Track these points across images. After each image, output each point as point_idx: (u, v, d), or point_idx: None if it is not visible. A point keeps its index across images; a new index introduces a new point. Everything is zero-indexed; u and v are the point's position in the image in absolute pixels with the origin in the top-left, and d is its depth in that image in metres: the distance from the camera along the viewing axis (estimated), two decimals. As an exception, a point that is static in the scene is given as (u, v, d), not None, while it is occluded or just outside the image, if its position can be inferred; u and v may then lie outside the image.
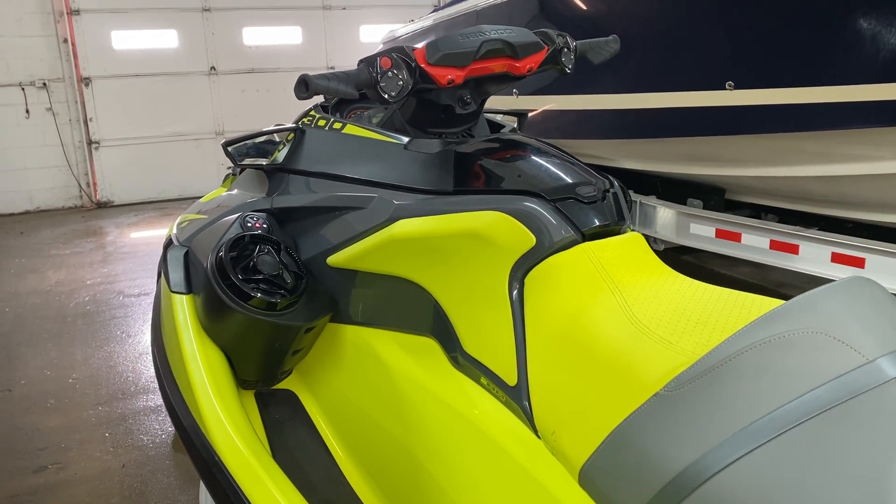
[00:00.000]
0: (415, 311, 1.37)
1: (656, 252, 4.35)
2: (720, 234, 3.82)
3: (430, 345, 1.34)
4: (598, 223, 1.19)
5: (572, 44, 1.53)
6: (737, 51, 3.15)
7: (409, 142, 1.39)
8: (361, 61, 1.30)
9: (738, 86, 3.08)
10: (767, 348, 0.81)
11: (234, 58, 8.69)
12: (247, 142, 1.55)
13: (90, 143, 8.20)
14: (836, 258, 3.28)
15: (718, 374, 0.82)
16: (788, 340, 0.81)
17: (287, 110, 8.90)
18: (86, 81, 8.05)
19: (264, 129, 1.60)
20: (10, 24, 7.70)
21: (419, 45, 1.31)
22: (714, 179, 4.05)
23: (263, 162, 1.56)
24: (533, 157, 1.30)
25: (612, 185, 1.27)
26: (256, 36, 8.77)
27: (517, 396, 1.13)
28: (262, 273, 1.38)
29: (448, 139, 1.41)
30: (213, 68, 8.60)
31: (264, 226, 1.48)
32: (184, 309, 1.47)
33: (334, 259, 1.44)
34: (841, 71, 2.79)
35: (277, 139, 1.59)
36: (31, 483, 2.63)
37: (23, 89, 7.85)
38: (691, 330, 0.96)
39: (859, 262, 3.18)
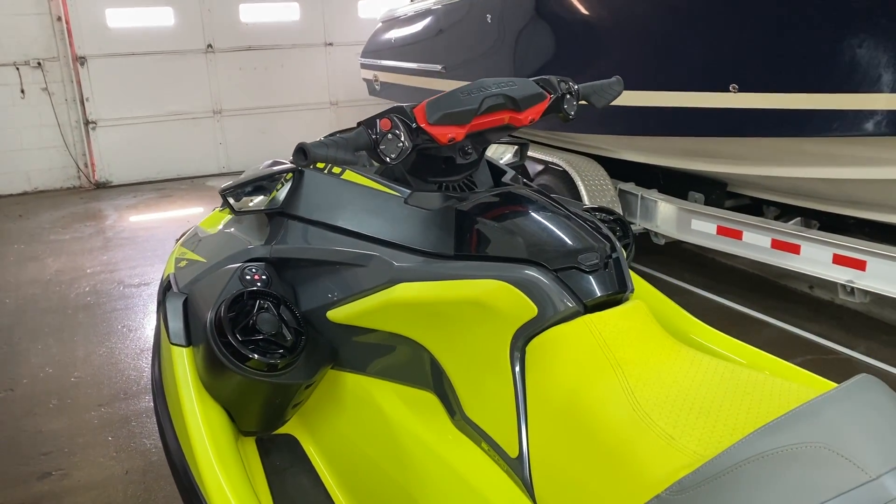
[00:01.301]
0: (416, 368, 1.37)
1: (657, 246, 4.34)
2: (721, 231, 3.82)
3: (431, 400, 1.34)
4: (599, 294, 1.18)
5: (574, 89, 1.50)
6: (742, 54, 3.11)
7: (409, 195, 1.37)
8: (360, 123, 1.27)
9: (743, 88, 3.04)
10: (770, 461, 0.81)
11: (231, 35, 8.58)
12: (245, 187, 1.53)
13: (87, 122, 8.14)
14: (838, 259, 3.27)
15: (720, 484, 0.82)
16: (791, 454, 0.80)
17: (284, 88, 8.83)
18: (81, 60, 7.96)
19: (262, 172, 1.58)
20: (2, 2, 7.59)
21: (418, 104, 1.29)
22: (716, 175, 4.02)
23: (263, 205, 1.55)
24: (534, 219, 1.29)
25: (614, 248, 1.25)
26: (253, 13, 8.66)
27: (518, 468, 1.13)
28: (262, 332, 1.37)
29: (448, 192, 1.39)
30: (209, 46, 8.50)
31: (263, 277, 1.47)
32: (183, 363, 1.47)
33: (334, 314, 1.44)
34: (846, 79, 2.75)
35: (275, 178, 1.57)
36: (36, 490, 2.66)
37: (17, 69, 7.77)
38: (693, 422, 0.96)
39: (860, 265, 3.18)
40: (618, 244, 1.27)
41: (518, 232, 1.25)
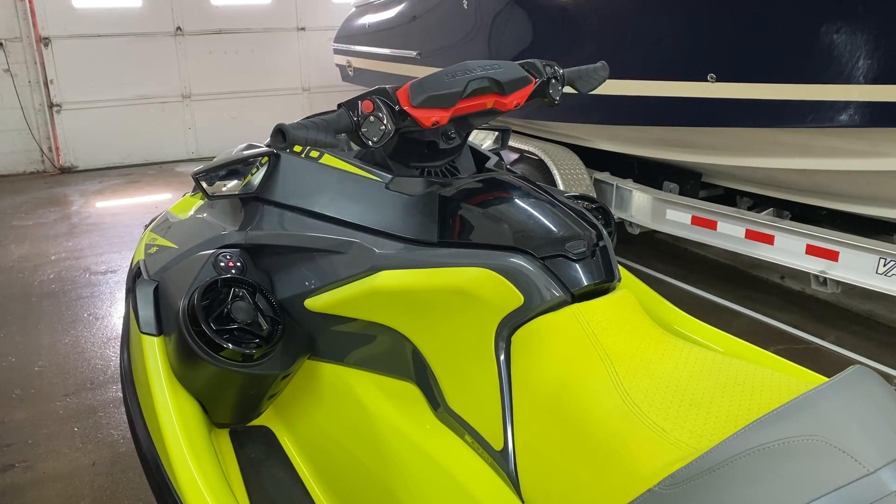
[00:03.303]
0: (397, 358, 1.33)
1: (630, 235, 4.35)
2: (696, 221, 3.83)
3: (412, 391, 1.31)
4: (587, 283, 1.16)
5: (560, 73, 1.47)
6: (722, 43, 3.10)
7: (390, 180, 1.33)
8: (341, 105, 1.23)
9: (721, 78, 3.04)
10: (766, 455, 0.79)
11: (201, 18, 8.40)
12: (219, 171, 1.48)
13: (51, 105, 7.92)
14: (811, 250, 3.30)
15: (715, 477, 0.80)
16: (787, 447, 0.79)
17: (255, 73, 8.68)
18: (45, 41, 7.74)
19: (236, 156, 1.52)
20: (-38, -20, 7.35)
21: (402, 86, 1.25)
22: (691, 165, 4.03)
23: (237, 189, 1.49)
24: (520, 206, 1.26)
25: (600, 237, 1.23)
26: (224, -5, 8.49)
27: (503, 461, 1.10)
28: (237, 321, 1.32)
29: (431, 178, 1.35)
30: (178, 29, 8.31)
31: (238, 264, 1.42)
32: (154, 353, 1.41)
33: (312, 303, 1.39)
34: (821, 70, 2.77)
35: (250, 161, 1.52)
36: (-1, 483, 2.58)
37: (-22, 49, 7.53)
38: (685, 414, 0.94)
39: (833, 255, 3.21)
40: (604, 232, 1.25)
41: (503, 219, 1.22)
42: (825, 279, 3.29)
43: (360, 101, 1.22)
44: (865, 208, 3.31)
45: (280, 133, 1.15)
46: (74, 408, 3.08)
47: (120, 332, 3.86)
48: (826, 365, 3.16)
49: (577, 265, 1.16)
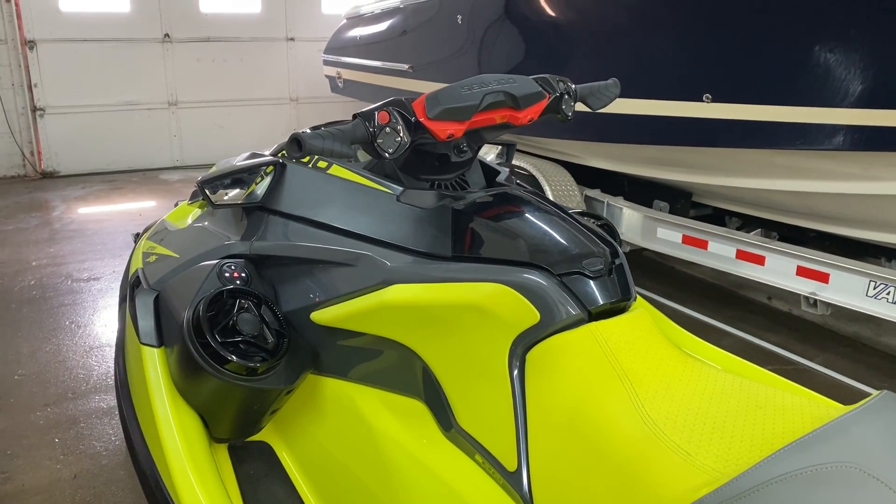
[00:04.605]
0: (405, 374, 1.30)
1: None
2: (687, 240, 3.84)
3: (419, 408, 1.28)
4: (604, 301, 1.14)
5: (572, 89, 1.46)
6: (718, 64, 3.12)
7: (402, 193, 1.31)
8: (357, 115, 1.21)
9: (716, 98, 3.06)
10: (797, 481, 0.77)
11: (190, 25, 8.35)
12: (224, 179, 1.45)
13: (35, 109, 7.82)
14: (802, 271, 3.32)
15: None
16: (819, 474, 0.77)
17: (243, 82, 8.64)
18: (30, 45, 7.64)
19: (241, 164, 1.49)
20: (-53, -20, 7.25)
21: (418, 99, 1.23)
22: (683, 184, 4.05)
23: (240, 198, 1.46)
24: (534, 221, 1.24)
25: (616, 254, 1.21)
26: (213, 3, 8.44)
27: (517, 483, 1.08)
28: (242, 334, 1.29)
29: (443, 191, 1.33)
30: (167, 35, 8.25)
31: (243, 275, 1.39)
32: (155, 365, 1.37)
33: (319, 316, 1.36)
34: (816, 93, 2.79)
35: (255, 170, 1.49)
36: (-24, 495, 2.50)
37: (-39, 51, 7.42)
38: (709, 437, 0.92)
39: (824, 277, 3.22)
40: (620, 250, 1.23)
41: (519, 234, 1.20)
42: (815, 301, 3.30)
43: (376, 112, 1.20)
44: (856, 231, 3.34)
45: (296, 142, 1.12)
46: (55, 418, 3.00)
47: (102, 341, 3.80)
48: (815, 387, 3.15)
49: (594, 283, 1.15)
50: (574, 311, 1.12)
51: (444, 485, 1.17)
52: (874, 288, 3.04)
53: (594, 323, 1.11)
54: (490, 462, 1.13)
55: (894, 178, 2.87)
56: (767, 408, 0.97)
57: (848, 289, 3.14)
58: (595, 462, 0.97)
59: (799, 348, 3.75)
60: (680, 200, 4.20)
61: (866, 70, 2.69)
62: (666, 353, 1.12)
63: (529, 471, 1.07)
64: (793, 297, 3.52)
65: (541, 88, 1.37)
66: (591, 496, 0.97)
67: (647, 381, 1.04)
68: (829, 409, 0.96)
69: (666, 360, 1.10)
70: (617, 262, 1.20)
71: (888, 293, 2.97)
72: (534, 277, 1.14)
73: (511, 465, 1.09)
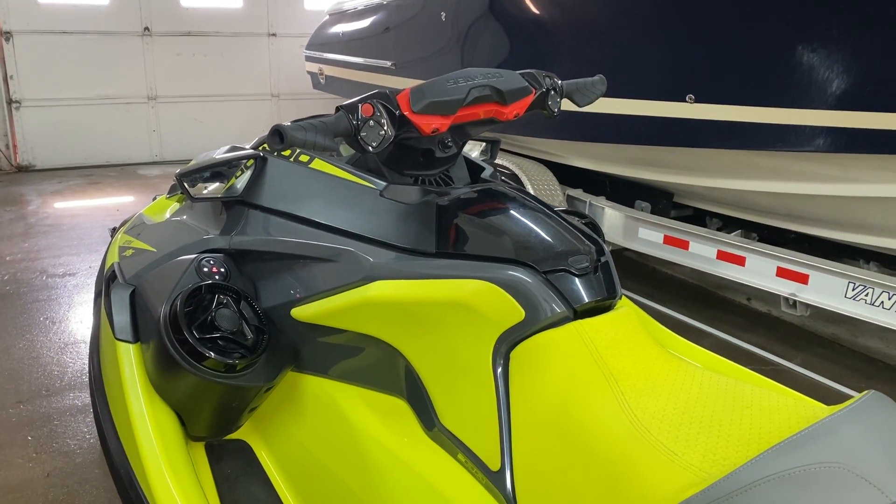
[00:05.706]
0: (387, 372, 1.28)
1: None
2: (668, 240, 3.85)
3: (400, 406, 1.26)
4: (590, 299, 1.13)
5: (559, 85, 1.45)
6: (702, 65, 3.13)
7: (385, 188, 1.29)
8: (340, 108, 1.18)
9: (699, 99, 3.07)
10: (786, 482, 0.76)
11: (170, 19, 8.24)
12: (203, 172, 1.42)
13: (10, 101, 7.68)
14: (782, 272, 3.34)
15: None
16: (807, 475, 0.76)
17: (223, 77, 8.56)
18: (6, 36, 7.51)
19: (220, 158, 1.46)
20: (-79, -31, 7.10)
21: (402, 91, 1.21)
22: (664, 185, 4.06)
23: (220, 192, 1.43)
24: (520, 218, 1.22)
25: (602, 252, 1.20)
26: (194, -3, 8.35)
27: (500, 483, 1.06)
28: (220, 330, 1.26)
29: (427, 186, 1.31)
30: (146, 29, 8.15)
31: (222, 270, 1.36)
32: (130, 361, 1.34)
33: (299, 312, 1.33)
34: (796, 94, 2.81)
35: (235, 164, 1.46)
36: (-55, 494, 2.45)
37: (-65, 41, 7.28)
38: (696, 437, 0.91)
39: (803, 279, 3.24)
40: (606, 247, 1.22)
41: (504, 230, 1.19)
42: (795, 301, 3.33)
43: (360, 105, 1.17)
44: (835, 233, 3.36)
45: (278, 134, 1.10)
46: (28, 415, 2.95)
47: (78, 337, 3.73)
48: (794, 388, 3.17)
49: (579, 280, 1.13)
50: (559, 308, 1.11)
51: (426, 484, 1.15)
52: (853, 289, 3.06)
53: (580, 321, 1.10)
54: (473, 461, 1.12)
55: (872, 181, 2.90)
56: (754, 408, 0.97)
57: (827, 290, 3.16)
58: (580, 462, 0.96)
59: (778, 349, 3.77)
60: (662, 201, 4.21)
61: (845, 73, 2.71)
62: (652, 352, 1.11)
63: (513, 470, 1.06)
64: (772, 298, 3.54)
65: (527, 83, 1.36)
66: (575, 496, 0.95)
67: (633, 381, 1.02)
68: (815, 409, 0.96)
69: (652, 359, 1.09)
70: (602, 259, 1.19)
71: (866, 294, 3.00)
72: (519, 275, 1.12)
73: (494, 465, 1.08)
